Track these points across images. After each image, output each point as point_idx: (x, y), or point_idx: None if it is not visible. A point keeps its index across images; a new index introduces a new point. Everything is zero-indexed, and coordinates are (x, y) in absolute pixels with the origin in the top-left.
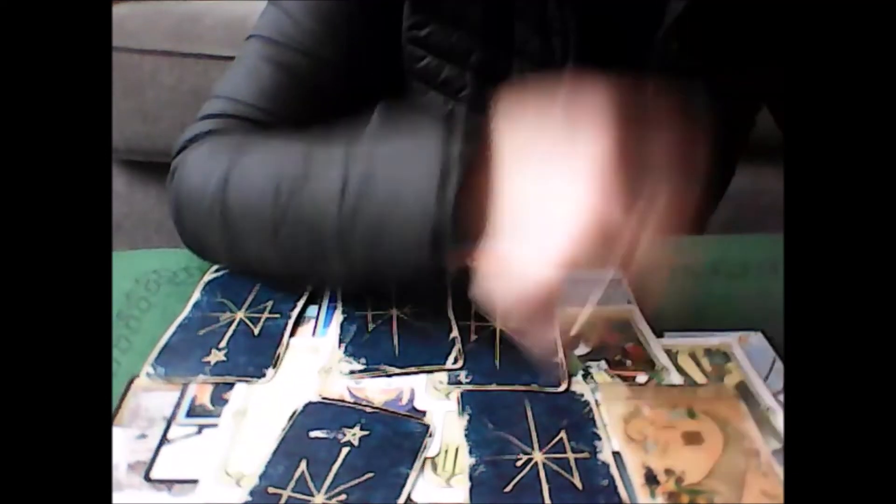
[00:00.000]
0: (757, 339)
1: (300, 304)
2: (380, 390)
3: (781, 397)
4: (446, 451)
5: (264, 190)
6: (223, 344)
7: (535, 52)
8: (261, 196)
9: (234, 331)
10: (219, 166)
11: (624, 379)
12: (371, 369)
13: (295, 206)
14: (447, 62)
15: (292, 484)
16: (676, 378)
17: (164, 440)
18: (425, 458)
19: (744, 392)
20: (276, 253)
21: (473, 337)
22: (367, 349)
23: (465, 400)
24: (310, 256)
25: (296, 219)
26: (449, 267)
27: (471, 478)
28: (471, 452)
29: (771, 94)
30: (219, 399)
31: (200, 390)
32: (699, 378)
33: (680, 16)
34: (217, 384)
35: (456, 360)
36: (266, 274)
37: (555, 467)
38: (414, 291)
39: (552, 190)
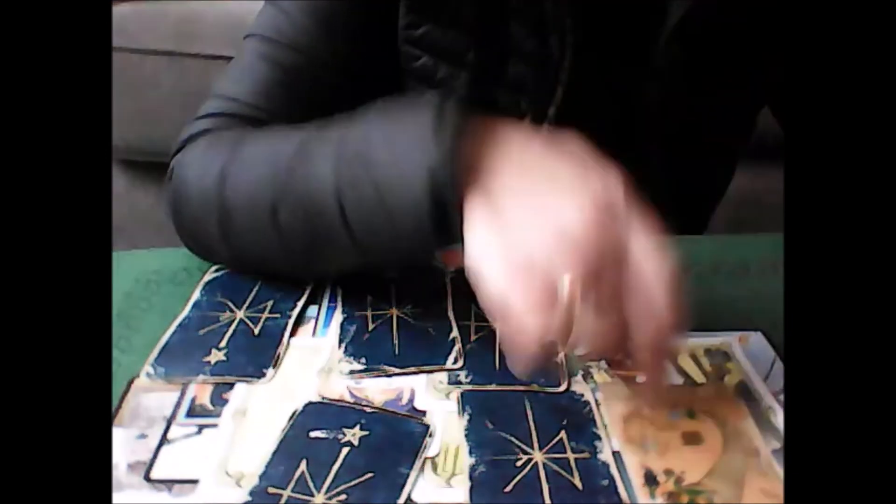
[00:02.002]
0: (757, 339)
1: (300, 303)
2: (380, 390)
3: (781, 397)
4: (446, 451)
5: (262, 174)
6: (223, 344)
7: (531, 51)
8: (258, 181)
9: (234, 331)
10: (216, 161)
11: (624, 379)
12: (371, 369)
13: (293, 183)
14: (443, 62)
15: (292, 484)
16: (676, 378)
17: (164, 440)
18: (425, 458)
19: (744, 392)
20: (276, 240)
21: (473, 337)
22: (367, 349)
23: (465, 400)
24: (311, 236)
25: (295, 198)
26: (453, 213)
27: (471, 478)
28: (471, 452)
29: (773, 94)
30: (219, 399)
31: (200, 390)
32: (699, 378)
33: (682, 18)
34: (217, 384)
35: (456, 360)
36: (266, 269)
37: (555, 467)
38: (416, 265)
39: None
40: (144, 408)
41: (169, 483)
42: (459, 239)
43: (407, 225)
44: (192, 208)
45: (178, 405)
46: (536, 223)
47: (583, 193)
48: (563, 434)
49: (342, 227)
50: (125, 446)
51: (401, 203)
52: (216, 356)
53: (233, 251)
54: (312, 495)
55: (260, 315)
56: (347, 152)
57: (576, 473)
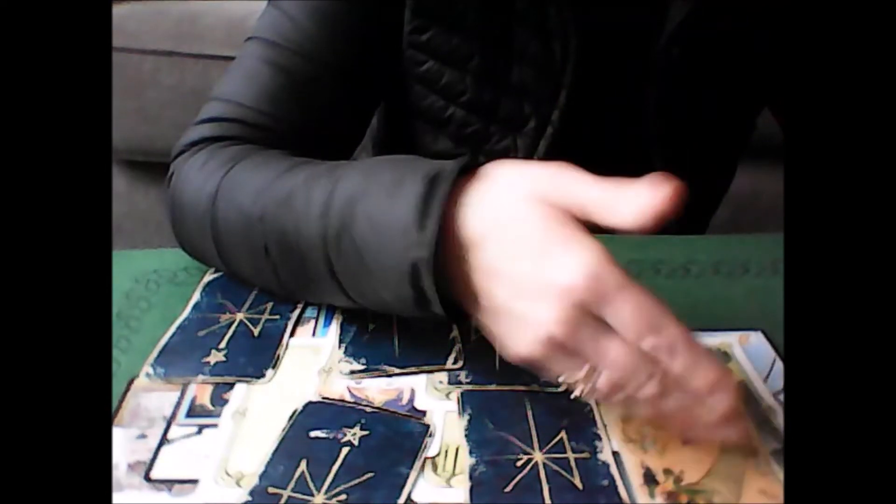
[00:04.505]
0: (757, 339)
1: (300, 305)
2: (380, 390)
3: (781, 397)
4: (446, 451)
5: (251, 212)
6: (223, 345)
7: (535, 56)
8: (248, 219)
9: (234, 332)
10: (210, 182)
11: None
12: (371, 369)
13: (283, 228)
14: (447, 66)
15: (292, 484)
16: None
17: (164, 440)
18: (425, 458)
19: (744, 392)
20: (270, 273)
21: (473, 337)
22: (368, 349)
23: (465, 400)
24: (303, 279)
25: (286, 244)
26: (434, 303)
27: (471, 478)
28: (471, 452)
29: (773, 96)
30: (219, 399)
31: (200, 390)
32: None
33: (681, 21)
34: (217, 384)
35: (456, 360)
36: (264, 289)
37: (555, 467)
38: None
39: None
40: (144, 408)
41: (169, 483)
42: (445, 316)
43: (391, 299)
44: (189, 225)
45: (178, 405)
46: (514, 325)
47: (556, 295)
48: (563, 434)
49: (332, 280)
50: (125, 446)
51: (384, 282)
52: (216, 357)
53: (230, 269)
54: (312, 495)
55: (260, 316)
56: (333, 213)
57: (576, 473)
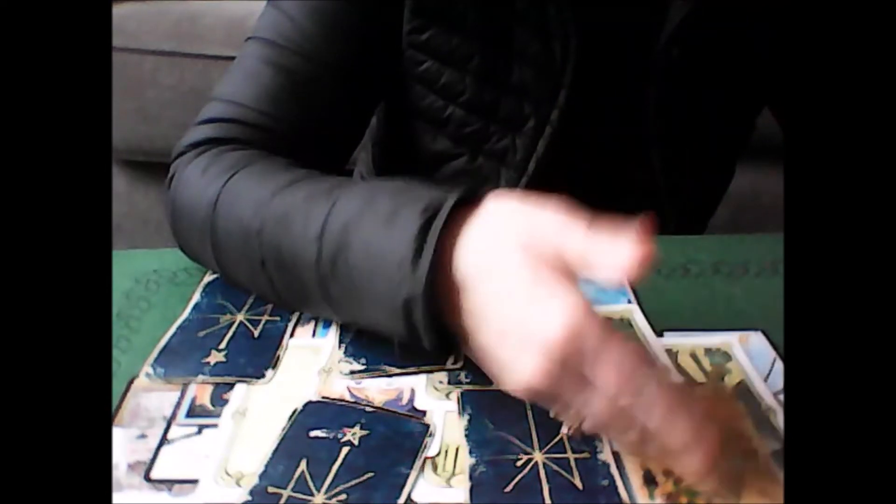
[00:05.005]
0: (757, 339)
1: None
2: (380, 390)
3: (781, 397)
4: (446, 451)
5: (249, 226)
6: (223, 345)
7: (534, 56)
8: (246, 232)
9: (234, 333)
10: (211, 188)
11: None
12: (371, 369)
13: (276, 248)
14: (447, 66)
15: (292, 483)
16: (676, 378)
17: (164, 440)
18: (425, 458)
19: (744, 392)
20: (267, 285)
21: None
22: (367, 349)
23: (465, 400)
24: (299, 296)
25: (279, 260)
26: (424, 338)
27: (471, 478)
28: (471, 452)
29: (773, 95)
30: (219, 399)
31: (200, 390)
32: (699, 377)
33: (681, 21)
34: (217, 384)
35: (456, 360)
36: (261, 298)
37: (555, 467)
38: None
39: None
40: (144, 408)
41: (169, 483)
42: (437, 349)
43: (383, 328)
44: (188, 230)
45: (178, 405)
46: (500, 368)
47: (537, 348)
48: (563, 434)
49: (325, 301)
50: (125, 446)
51: (377, 311)
52: (216, 357)
53: (228, 277)
54: (312, 495)
55: (260, 318)
56: (329, 237)
57: (576, 473)
